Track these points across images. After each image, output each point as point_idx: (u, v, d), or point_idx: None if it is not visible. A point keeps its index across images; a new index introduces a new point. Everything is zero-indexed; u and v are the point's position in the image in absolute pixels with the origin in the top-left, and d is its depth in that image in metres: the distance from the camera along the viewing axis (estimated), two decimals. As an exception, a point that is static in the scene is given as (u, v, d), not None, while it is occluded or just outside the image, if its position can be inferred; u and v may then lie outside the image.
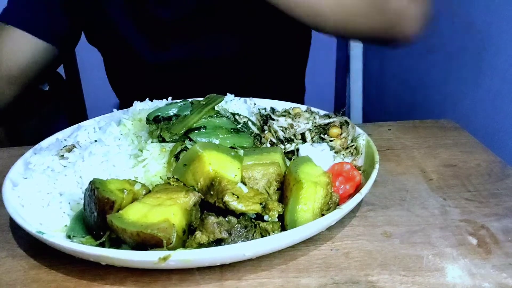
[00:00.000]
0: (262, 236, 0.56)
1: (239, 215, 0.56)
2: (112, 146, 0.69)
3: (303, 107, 0.81)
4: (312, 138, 0.73)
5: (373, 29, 0.82)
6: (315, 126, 0.75)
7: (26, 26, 0.93)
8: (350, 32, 0.86)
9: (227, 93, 0.83)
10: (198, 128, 0.70)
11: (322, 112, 0.81)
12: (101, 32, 1.02)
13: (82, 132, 0.75)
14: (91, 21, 1.00)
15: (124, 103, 1.16)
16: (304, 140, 0.73)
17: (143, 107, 0.81)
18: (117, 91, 1.20)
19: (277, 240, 0.54)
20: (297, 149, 0.71)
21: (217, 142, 0.69)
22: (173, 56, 0.99)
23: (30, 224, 0.58)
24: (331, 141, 0.73)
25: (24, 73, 0.96)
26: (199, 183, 0.60)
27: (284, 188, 0.61)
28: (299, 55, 1.17)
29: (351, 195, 0.65)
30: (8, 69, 0.94)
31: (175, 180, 0.61)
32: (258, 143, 0.73)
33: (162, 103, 0.82)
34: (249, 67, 1.05)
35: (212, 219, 0.55)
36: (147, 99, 0.84)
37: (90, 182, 0.57)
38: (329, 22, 0.79)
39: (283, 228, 0.58)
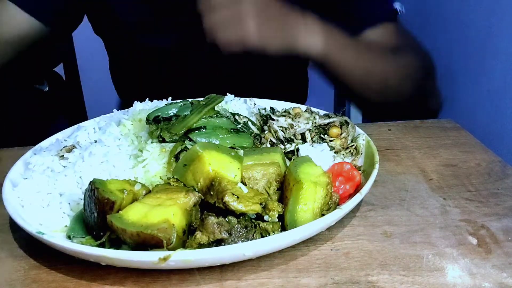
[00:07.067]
0: (262, 236, 0.56)
1: (239, 215, 0.56)
2: (112, 147, 0.69)
3: (303, 107, 0.81)
4: (312, 138, 0.73)
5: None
6: (315, 126, 0.75)
7: (21, 3, 0.96)
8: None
9: (227, 93, 0.83)
10: (198, 128, 0.70)
11: (322, 112, 0.81)
12: (103, 15, 1.03)
13: (82, 132, 0.75)
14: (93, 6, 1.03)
15: (125, 102, 1.17)
16: (304, 140, 0.73)
17: (143, 107, 0.81)
18: (119, 88, 1.20)
19: (277, 240, 0.54)
20: (297, 149, 0.71)
21: (217, 142, 0.69)
22: (174, 40, 1.01)
23: (30, 224, 0.57)
24: (331, 141, 0.73)
25: (18, 40, 0.99)
26: (199, 183, 0.60)
27: (284, 188, 0.61)
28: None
29: (351, 195, 0.65)
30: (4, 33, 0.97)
31: (175, 180, 0.61)
32: (258, 143, 0.73)
33: (162, 103, 0.82)
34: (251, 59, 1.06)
35: (212, 220, 0.55)
36: (147, 99, 0.84)
37: (90, 182, 0.57)
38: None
39: (283, 228, 0.58)
